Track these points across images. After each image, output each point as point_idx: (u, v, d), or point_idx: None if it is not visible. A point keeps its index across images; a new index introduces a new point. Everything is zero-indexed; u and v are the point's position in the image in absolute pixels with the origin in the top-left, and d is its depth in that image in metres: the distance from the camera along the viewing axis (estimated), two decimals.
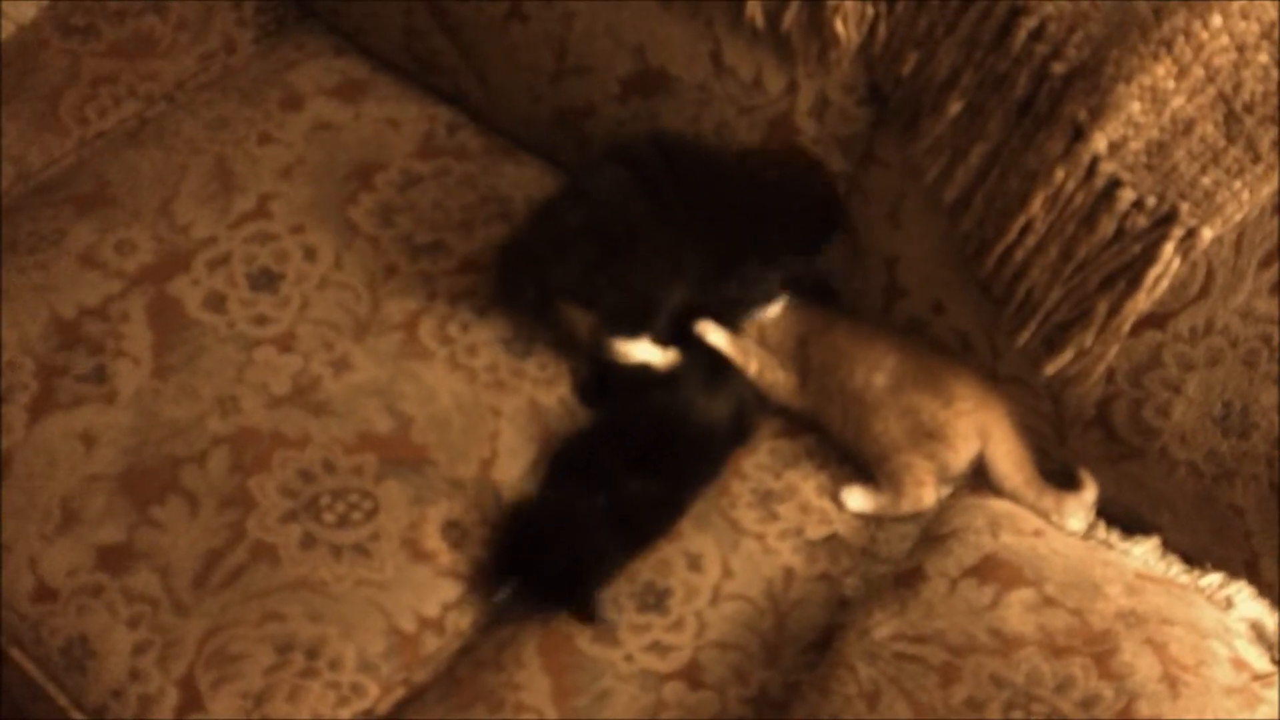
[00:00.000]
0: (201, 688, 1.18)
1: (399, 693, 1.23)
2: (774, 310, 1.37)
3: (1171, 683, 1.03)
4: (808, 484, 1.33)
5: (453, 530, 1.27)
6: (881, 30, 1.29)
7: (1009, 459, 1.28)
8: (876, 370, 1.31)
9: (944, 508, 1.27)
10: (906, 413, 1.29)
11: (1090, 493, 1.27)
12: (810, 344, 1.35)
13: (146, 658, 1.19)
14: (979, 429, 1.28)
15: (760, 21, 1.32)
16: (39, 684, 1.23)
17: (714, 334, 1.36)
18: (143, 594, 1.22)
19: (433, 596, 1.25)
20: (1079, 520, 1.27)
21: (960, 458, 1.29)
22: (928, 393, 1.29)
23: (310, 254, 1.44)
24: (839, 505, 1.32)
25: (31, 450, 1.30)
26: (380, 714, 1.21)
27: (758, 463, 1.35)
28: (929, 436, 1.28)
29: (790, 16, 1.29)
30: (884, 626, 1.12)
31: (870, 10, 1.27)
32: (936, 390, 1.29)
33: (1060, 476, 1.30)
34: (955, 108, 1.25)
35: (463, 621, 1.26)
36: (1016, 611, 1.09)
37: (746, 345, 1.37)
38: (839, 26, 1.28)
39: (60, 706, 1.21)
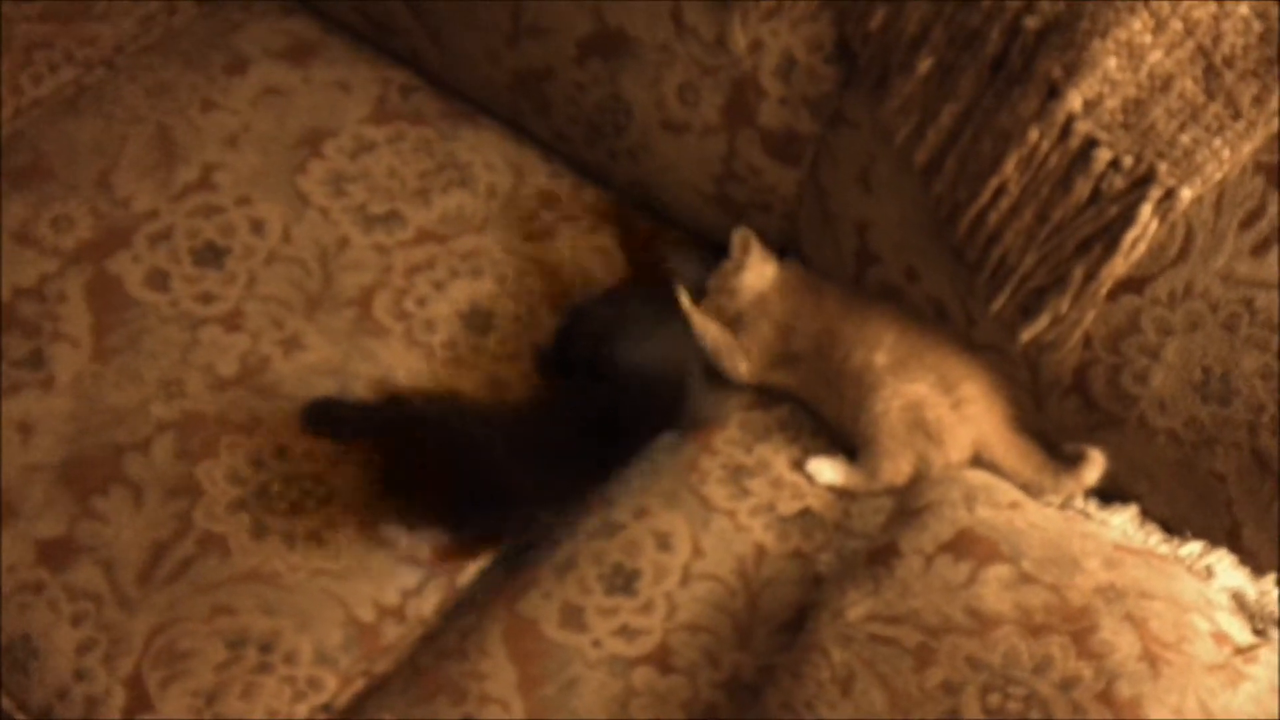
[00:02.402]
0: (150, 686, 1.13)
1: (358, 685, 1.19)
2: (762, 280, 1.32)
3: (1152, 661, 1.00)
4: (779, 458, 1.29)
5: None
6: None
7: (1013, 455, 1.24)
8: (876, 349, 1.26)
9: (918, 479, 1.24)
10: (912, 406, 1.24)
11: (1099, 458, 1.23)
12: (798, 326, 1.31)
13: (92, 656, 1.15)
14: (978, 439, 1.24)
15: None
16: None
17: (686, 302, 1.32)
18: (86, 590, 1.17)
19: (392, 584, 1.21)
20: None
21: (948, 460, 1.25)
22: (937, 388, 1.24)
23: (258, 227, 1.39)
24: (810, 478, 1.28)
25: None
26: (339, 707, 1.17)
27: (728, 437, 1.31)
28: (927, 435, 1.24)
29: None
30: (858, 607, 1.08)
31: None
32: (946, 387, 1.24)
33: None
34: (925, 65, 1.21)
35: (424, 608, 1.22)
36: (993, 589, 1.06)
37: (707, 323, 1.32)
38: None
39: (4, 709, 1.17)
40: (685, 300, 1.33)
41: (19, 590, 1.18)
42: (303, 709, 1.16)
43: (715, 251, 1.38)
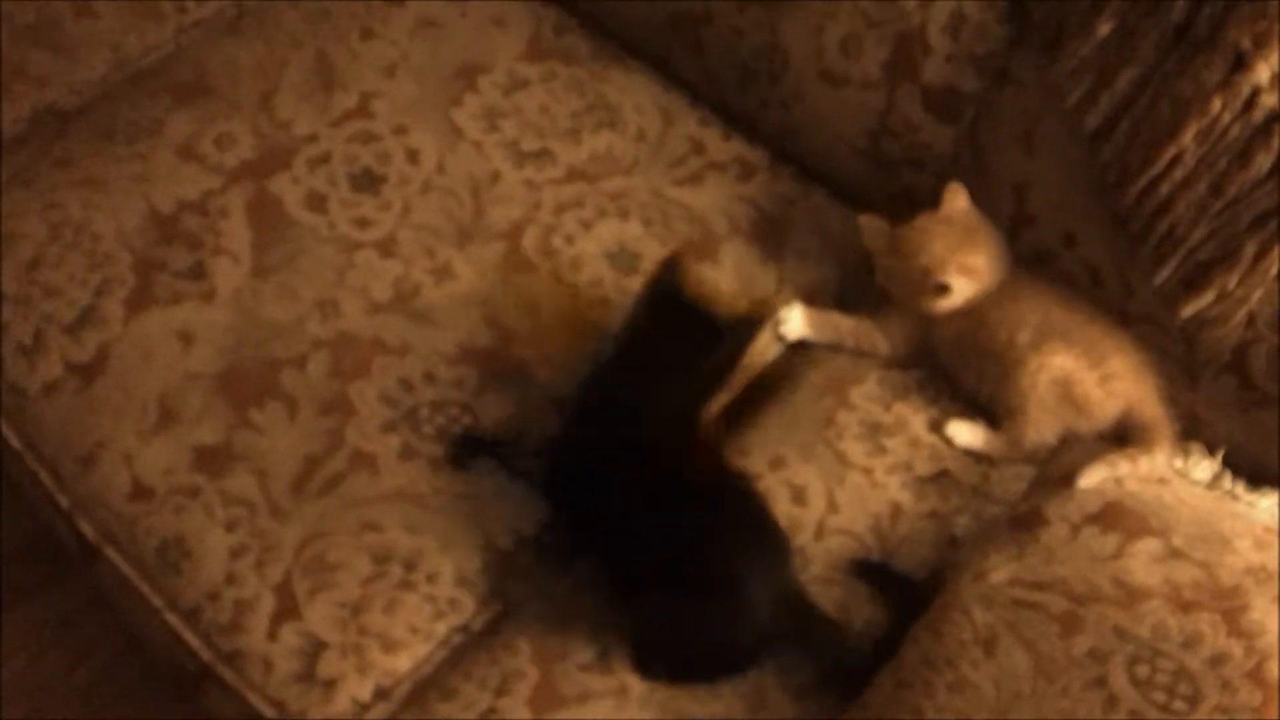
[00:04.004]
0: (298, 595, 1.16)
1: (495, 609, 1.21)
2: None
3: None
4: (918, 418, 1.28)
5: None
6: None
7: (1157, 429, 1.22)
8: (1021, 328, 1.24)
9: (1062, 448, 1.22)
10: (1060, 380, 1.22)
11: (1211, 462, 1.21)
12: (938, 325, 1.29)
13: (243, 562, 1.18)
14: (1126, 410, 1.22)
15: None
16: (133, 583, 1.23)
17: (795, 323, 1.31)
18: (240, 497, 1.20)
19: (531, 514, 1.22)
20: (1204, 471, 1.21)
21: (1096, 429, 1.23)
22: (1085, 362, 1.22)
23: (413, 156, 1.40)
24: (949, 440, 1.27)
25: (129, 345, 1.29)
26: (476, 630, 1.20)
27: (866, 393, 1.30)
28: (1075, 409, 1.22)
29: None
30: (1001, 570, 1.08)
31: None
32: (1094, 361, 1.22)
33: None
34: (1105, 28, 1.18)
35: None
36: (1142, 562, 1.05)
37: (835, 320, 1.31)
38: None
39: (154, 607, 1.21)
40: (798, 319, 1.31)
41: (175, 493, 1.21)
42: (442, 627, 1.18)
43: (859, 207, 1.37)
